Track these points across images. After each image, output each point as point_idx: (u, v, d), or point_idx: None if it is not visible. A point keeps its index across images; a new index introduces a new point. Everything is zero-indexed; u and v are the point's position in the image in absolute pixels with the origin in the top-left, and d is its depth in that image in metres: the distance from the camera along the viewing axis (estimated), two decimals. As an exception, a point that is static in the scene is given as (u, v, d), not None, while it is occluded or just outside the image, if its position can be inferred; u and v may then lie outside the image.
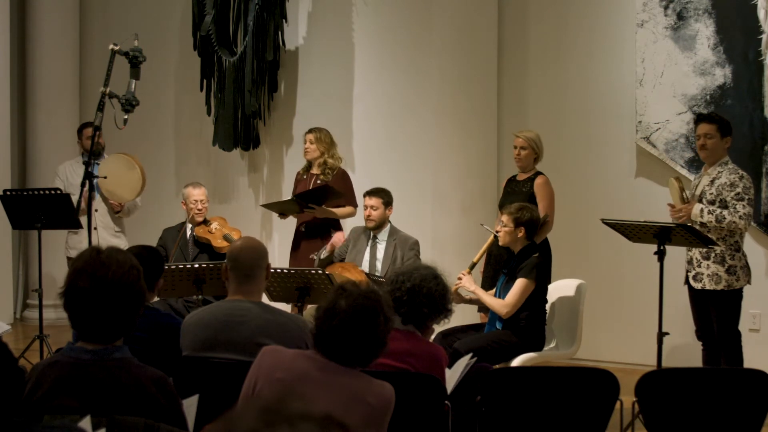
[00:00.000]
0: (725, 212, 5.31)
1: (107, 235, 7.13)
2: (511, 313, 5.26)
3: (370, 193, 6.25)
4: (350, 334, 2.86)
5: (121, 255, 2.68)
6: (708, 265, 5.41)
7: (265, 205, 6.96)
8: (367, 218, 6.20)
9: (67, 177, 7.33)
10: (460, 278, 5.44)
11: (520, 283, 5.26)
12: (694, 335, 5.66)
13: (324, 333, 2.90)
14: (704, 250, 5.38)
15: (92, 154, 5.92)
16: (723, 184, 5.37)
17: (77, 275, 2.60)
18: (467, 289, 5.48)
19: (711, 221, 5.33)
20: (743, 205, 5.32)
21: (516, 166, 6.32)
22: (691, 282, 5.50)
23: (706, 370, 4.86)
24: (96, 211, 7.07)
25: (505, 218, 5.40)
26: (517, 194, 6.25)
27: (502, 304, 5.28)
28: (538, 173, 6.30)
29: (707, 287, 5.41)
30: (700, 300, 5.51)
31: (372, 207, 6.19)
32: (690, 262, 5.52)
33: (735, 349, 5.44)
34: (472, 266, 5.62)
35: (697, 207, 5.37)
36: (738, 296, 5.43)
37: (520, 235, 5.38)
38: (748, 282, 5.46)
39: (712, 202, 5.38)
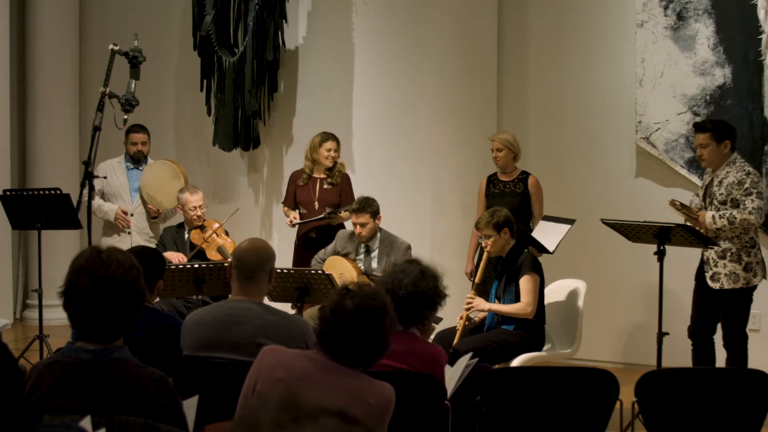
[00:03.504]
0: (735, 212, 5.31)
1: (141, 240, 7.01)
2: (534, 311, 5.30)
3: (356, 211, 6.12)
4: (357, 334, 2.87)
5: (121, 254, 2.67)
6: (725, 264, 5.40)
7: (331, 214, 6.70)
8: (359, 235, 6.15)
9: (107, 174, 7.12)
10: (469, 302, 5.40)
11: (528, 281, 5.28)
12: (694, 335, 5.67)
13: (331, 332, 2.90)
14: (719, 249, 5.38)
15: (90, 156, 5.87)
16: (731, 183, 5.37)
17: (77, 274, 2.60)
18: (482, 310, 5.45)
19: (725, 225, 5.33)
20: (752, 200, 5.32)
21: (496, 167, 6.49)
22: (709, 282, 5.46)
23: (706, 370, 4.86)
24: (131, 215, 7.07)
25: (486, 231, 5.41)
26: (509, 195, 6.34)
27: (522, 306, 5.29)
28: (527, 173, 6.41)
29: (725, 287, 5.40)
30: (709, 300, 5.49)
31: (361, 225, 6.11)
32: (707, 262, 5.50)
33: (740, 351, 5.43)
34: (475, 287, 5.58)
35: (708, 216, 5.35)
36: (750, 295, 5.46)
37: (506, 237, 5.41)
38: (764, 277, 5.47)
39: (723, 203, 5.38)
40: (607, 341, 7.16)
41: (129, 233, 7.08)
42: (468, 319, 5.45)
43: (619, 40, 7.13)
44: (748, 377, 3.88)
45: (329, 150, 6.78)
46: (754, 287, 5.44)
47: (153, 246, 6.86)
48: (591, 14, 7.28)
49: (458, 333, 5.35)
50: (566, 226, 5.94)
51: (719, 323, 5.54)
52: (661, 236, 5.20)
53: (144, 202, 7.08)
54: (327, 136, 6.83)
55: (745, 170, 5.40)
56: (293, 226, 6.91)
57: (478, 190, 6.59)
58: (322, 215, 6.63)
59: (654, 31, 6.90)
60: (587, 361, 6.83)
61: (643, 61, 6.94)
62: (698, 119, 6.25)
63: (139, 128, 7.07)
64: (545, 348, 5.54)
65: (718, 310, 5.48)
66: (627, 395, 3.97)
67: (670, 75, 6.86)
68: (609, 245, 6.81)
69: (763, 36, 6.55)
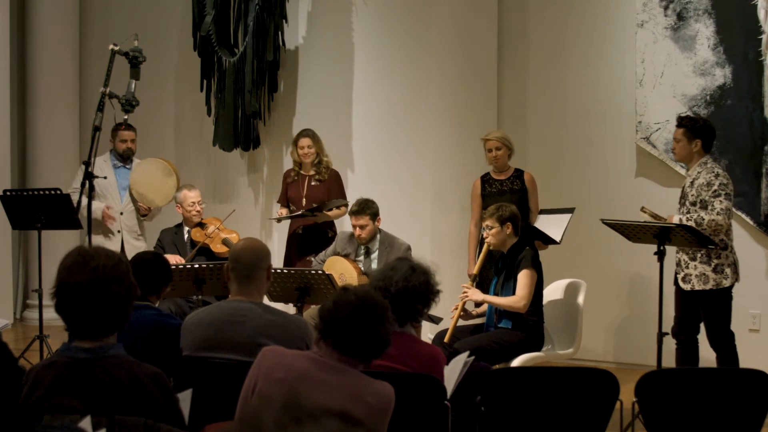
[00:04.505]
0: (703, 213, 5.30)
1: (131, 238, 7.03)
2: (528, 305, 5.29)
3: (355, 213, 6.11)
4: (359, 323, 2.90)
5: (108, 250, 2.70)
6: (695, 265, 5.41)
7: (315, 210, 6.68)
8: (358, 237, 6.15)
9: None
10: (465, 292, 5.41)
11: (525, 275, 5.29)
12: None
13: (333, 322, 2.91)
14: (690, 251, 5.39)
15: (90, 157, 5.86)
16: (701, 185, 5.38)
17: (68, 272, 2.62)
18: (476, 300, 5.45)
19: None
20: (720, 201, 5.31)
21: (494, 167, 6.45)
22: (681, 284, 5.49)
23: (705, 370, 4.86)
24: (121, 214, 7.07)
25: (489, 222, 5.43)
26: (507, 193, 6.33)
27: (516, 299, 5.29)
28: (521, 170, 6.45)
29: (696, 288, 5.41)
30: (688, 300, 5.50)
31: (360, 226, 6.11)
32: (678, 264, 5.52)
33: (728, 350, 5.42)
34: (474, 278, 5.59)
35: (675, 219, 5.37)
36: (727, 295, 5.43)
37: (508, 231, 5.42)
38: (737, 280, 5.44)
39: (693, 204, 5.39)
40: (606, 341, 7.16)
41: (119, 231, 7.06)
42: (463, 309, 5.45)
43: (619, 40, 7.13)
44: (748, 377, 3.88)
45: (302, 147, 6.81)
46: (728, 289, 5.41)
47: (141, 244, 6.92)
48: (591, 14, 7.28)
49: (452, 322, 5.34)
50: (567, 216, 5.98)
51: (702, 323, 5.54)
52: (661, 236, 5.20)
53: (133, 200, 7.08)
54: (301, 134, 6.87)
55: (714, 172, 5.39)
56: (279, 221, 6.94)
57: (472, 192, 6.57)
58: (300, 212, 6.63)
59: (654, 31, 6.90)
60: (587, 361, 6.84)
61: (643, 61, 6.94)
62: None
63: (129, 126, 7.05)
64: (545, 348, 5.54)
65: (700, 310, 5.49)
66: (627, 395, 3.97)
67: (670, 75, 6.86)
68: (609, 245, 6.81)
69: (763, 36, 6.55)
